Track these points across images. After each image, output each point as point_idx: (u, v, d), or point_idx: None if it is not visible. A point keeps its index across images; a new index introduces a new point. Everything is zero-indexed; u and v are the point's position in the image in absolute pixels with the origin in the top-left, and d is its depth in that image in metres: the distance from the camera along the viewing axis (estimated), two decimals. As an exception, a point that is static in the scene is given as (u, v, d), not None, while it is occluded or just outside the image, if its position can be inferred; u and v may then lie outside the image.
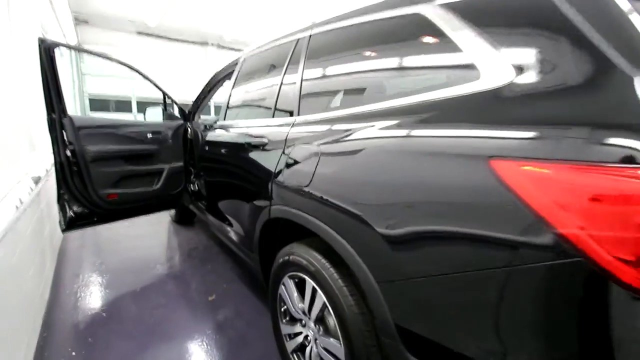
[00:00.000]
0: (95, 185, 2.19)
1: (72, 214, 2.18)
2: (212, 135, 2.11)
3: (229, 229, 1.90)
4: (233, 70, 2.22)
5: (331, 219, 1.02)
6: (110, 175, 2.27)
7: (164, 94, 2.65)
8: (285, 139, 1.31)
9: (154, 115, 2.78)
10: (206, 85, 2.70)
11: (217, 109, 7.38)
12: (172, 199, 2.74)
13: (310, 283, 1.17)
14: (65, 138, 2.06)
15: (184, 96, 7.45)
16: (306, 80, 1.37)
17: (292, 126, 1.33)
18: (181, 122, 2.76)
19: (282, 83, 1.53)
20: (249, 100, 1.94)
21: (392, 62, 1.05)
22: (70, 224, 2.16)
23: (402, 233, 0.81)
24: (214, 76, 2.61)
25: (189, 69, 8.06)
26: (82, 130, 2.12)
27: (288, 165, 1.25)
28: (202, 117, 3.27)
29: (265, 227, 1.43)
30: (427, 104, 0.88)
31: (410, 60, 1.00)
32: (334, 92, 1.25)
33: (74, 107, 6.61)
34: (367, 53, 1.14)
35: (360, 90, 1.16)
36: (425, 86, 0.95)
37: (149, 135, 2.51)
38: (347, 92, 1.20)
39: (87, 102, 7.09)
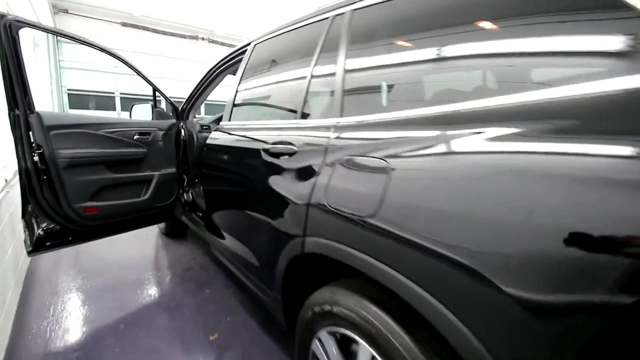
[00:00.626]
0: (70, 198, 1.80)
1: (40, 232, 1.79)
2: (215, 139, 1.75)
3: (237, 253, 1.55)
4: (238, 62, 1.86)
5: (416, 267, 0.69)
6: (88, 185, 1.88)
7: (154, 88, 2.27)
8: (326, 148, 0.98)
9: (142, 114, 2.39)
10: (202, 79, 2.33)
11: (209, 107, 6.95)
12: (163, 212, 2.36)
13: (366, 349, 0.84)
14: (31, 140, 1.67)
15: (173, 93, 6.97)
16: (351, 70, 1.03)
17: (334, 130, 0.99)
18: (174, 121, 2.38)
19: (312, 75, 1.19)
20: (264, 97, 1.60)
21: (500, 41, 0.73)
22: (38, 245, 1.77)
23: (553, 302, 0.50)
24: (211, 69, 2.24)
25: (178, 64, 7.60)
26: (53, 130, 1.73)
27: (332, 184, 0.91)
28: (197, 116, 2.89)
29: (293, 263, 1.09)
30: (564, 104, 0.57)
31: (535, 35, 0.68)
32: (403, 85, 0.92)
33: (51, 103, 6.08)
34: (457, 27, 0.81)
35: (446, 81, 0.83)
36: (560, 77, 0.64)
37: (136, 137, 2.13)
38: (424, 84, 0.87)
39: (65, 99, 6.56)
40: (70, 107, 6.63)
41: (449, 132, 0.69)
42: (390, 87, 0.95)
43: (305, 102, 1.20)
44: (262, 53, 1.64)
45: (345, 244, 0.85)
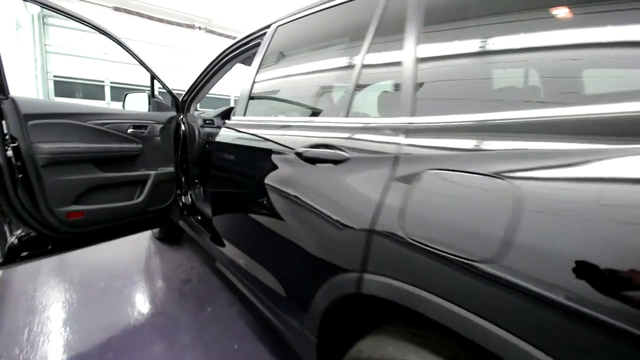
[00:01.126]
0: (51, 200, 1.53)
1: (14, 240, 1.51)
2: (226, 137, 1.48)
3: (252, 275, 1.30)
4: (254, 48, 1.61)
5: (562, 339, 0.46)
6: (73, 186, 1.60)
7: (153, 75, 1.99)
8: (395, 157, 0.73)
9: (136, 104, 2.10)
10: (207, 68, 2.05)
11: (208, 101, 6.56)
12: (159, 216, 2.09)
13: None
14: (4, 130, 1.39)
15: (168, 83, 6.61)
16: (429, 58, 0.79)
17: (405, 133, 0.75)
18: (173, 113, 2.11)
19: (363, 65, 0.94)
20: (290, 89, 1.35)
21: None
22: (10, 256, 1.49)
23: None
24: (218, 57, 1.97)
25: (172, 54, 7.23)
26: (31, 119, 1.45)
27: (413, 207, 0.67)
28: (199, 109, 2.61)
29: (339, 303, 0.85)
30: None
31: None
32: (522, 76, 0.68)
33: (35, 90, 5.68)
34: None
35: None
36: None
37: (131, 130, 1.85)
38: (574, 72, 0.63)
39: (51, 86, 6.14)
40: (57, 95, 6.23)
41: (624, 147, 0.46)
42: (495, 77, 0.70)
43: (352, 96, 0.95)
44: (287, 37, 1.38)
45: (436, 293, 0.61)
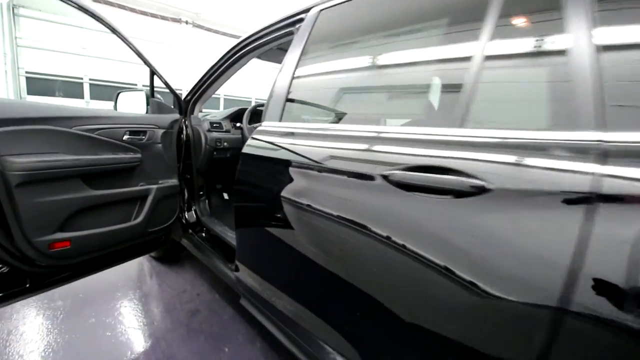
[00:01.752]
0: (28, 228, 1.20)
1: (-22, 280, 1.18)
2: (257, 147, 1.17)
3: (312, 335, 1.01)
4: (279, 38, 1.33)
5: None
6: (56, 209, 1.28)
7: (152, 70, 1.66)
8: (592, 195, 0.47)
9: (131, 104, 1.77)
10: (216, 64, 1.75)
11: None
12: (160, 238, 1.77)
13: None
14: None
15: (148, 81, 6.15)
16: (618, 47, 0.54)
17: (601, 159, 0.49)
18: (177, 116, 1.79)
19: (485, 56, 0.68)
20: (354, 87, 1.07)
21: None
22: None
23: None
24: (231, 50, 1.67)
25: (157, 49, 6.78)
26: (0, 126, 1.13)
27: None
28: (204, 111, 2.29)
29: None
30: None
31: None
32: None
33: (5, 88, 5.15)
34: None
35: None
36: None
37: (127, 137, 1.53)
38: None
39: (23, 83, 5.61)
40: (29, 94, 5.69)
41: None
42: None
43: (471, 100, 0.68)
44: (340, 21, 1.10)
45: None
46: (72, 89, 6.12)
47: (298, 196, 0.96)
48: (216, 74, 1.77)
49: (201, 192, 2.06)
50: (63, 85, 6.01)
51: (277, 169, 1.06)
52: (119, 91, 1.81)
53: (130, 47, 1.53)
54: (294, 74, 1.15)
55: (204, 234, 1.97)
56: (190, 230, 1.97)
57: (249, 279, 1.27)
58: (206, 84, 1.83)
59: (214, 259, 1.73)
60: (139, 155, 1.55)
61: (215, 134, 1.96)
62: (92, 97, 6.28)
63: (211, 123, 1.98)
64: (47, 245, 1.25)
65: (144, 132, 1.60)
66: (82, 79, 6.14)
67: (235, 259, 1.34)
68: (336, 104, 1.08)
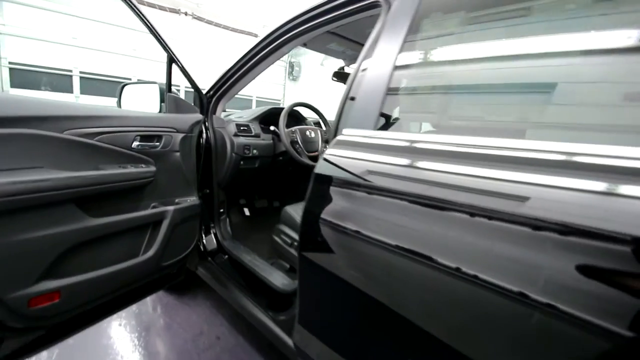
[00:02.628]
0: (-3, 280, 0.81)
1: None
2: (343, 169, 0.78)
3: None
4: (368, 10, 0.96)
5: None
6: (39, 250, 0.89)
7: (172, 57, 1.28)
8: None
9: (140, 102, 1.39)
10: (247, 54, 1.38)
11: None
12: (174, 271, 1.40)
13: None
14: None
15: (145, 75, 5.69)
16: None
17: None
18: (199, 116, 1.41)
19: None
20: (511, 86, 0.69)
21: None
22: None
23: None
24: (267, 37, 1.31)
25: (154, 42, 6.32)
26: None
27: None
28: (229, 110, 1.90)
29: None
30: None
31: None
32: None
33: (-15, 78, 4.66)
34: None
35: None
36: None
37: (137, 144, 1.14)
38: None
39: (6, 74, 5.11)
40: (13, 87, 5.20)
41: None
42: None
43: None
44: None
45: None
46: (60, 82, 5.63)
47: (422, 247, 0.60)
48: (249, 64, 1.39)
49: (221, 210, 1.68)
50: (50, 78, 5.52)
51: (378, 202, 0.69)
52: (124, 84, 1.42)
53: (147, 26, 1.15)
54: (395, 62, 0.79)
55: (225, 262, 1.60)
56: (208, 258, 1.59)
57: (319, 352, 0.90)
58: (234, 77, 1.45)
59: (241, 296, 1.36)
60: (152, 169, 1.17)
61: (243, 140, 1.59)
62: (83, 91, 5.80)
63: (238, 126, 1.60)
64: (26, 302, 0.87)
65: (159, 137, 1.22)
66: (71, 71, 5.66)
67: (296, 321, 0.96)
68: (481, 108, 0.71)
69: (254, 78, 1.48)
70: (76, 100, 5.52)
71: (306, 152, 1.62)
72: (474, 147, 0.60)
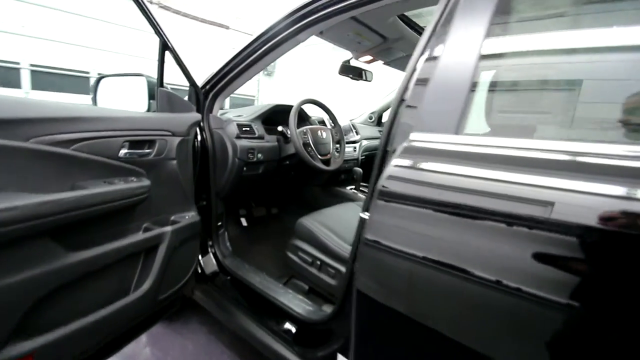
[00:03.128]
0: None
1: None
2: (418, 182, 0.60)
3: None
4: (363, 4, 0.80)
5: None
6: (2, 303, 0.64)
7: (165, 42, 1.03)
8: None
9: (121, 97, 1.13)
10: (252, 43, 1.17)
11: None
12: (171, 303, 1.17)
13: None
14: None
15: (105, 68, 5.18)
16: None
17: None
18: (197, 116, 1.17)
19: None
20: None
21: None
22: None
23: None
24: (276, 24, 1.11)
25: (116, 32, 5.79)
26: None
27: None
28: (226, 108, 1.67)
29: None
30: None
31: None
32: None
33: None
34: None
35: None
36: None
37: (124, 152, 0.91)
38: None
39: (-62, 65, 4.44)
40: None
41: None
42: None
43: None
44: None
45: None
46: (6, 75, 5.00)
47: (545, 287, 0.45)
48: (254, 55, 1.18)
49: (219, 223, 1.45)
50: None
51: (480, 229, 0.53)
52: (101, 76, 1.16)
53: (139, 4, 0.91)
54: (480, 49, 0.62)
55: (227, 285, 1.38)
56: (207, 281, 1.37)
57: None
58: (236, 70, 1.23)
59: (252, 325, 1.17)
60: (146, 183, 0.94)
61: (246, 142, 1.37)
62: (34, 86, 5.19)
63: (240, 126, 1.38)
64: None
65: (152, 143, 0.99)
66: (19, 63, 5.04)
67: None
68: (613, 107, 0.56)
69: (259, 71, 1.27)
70: (26, 97, 4.92)
71: (319, 156, 1.44)
72: (609, 158, 0.45)
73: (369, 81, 1.85)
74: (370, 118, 2.48)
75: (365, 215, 0.70)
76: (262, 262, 1.55)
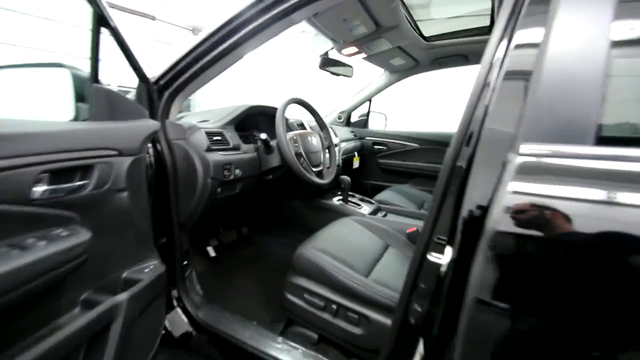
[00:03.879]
0: None
1: None
2: (560, 219, 0.40)
3: None
4: None
5: None
6: None
7: (102, 13, 0.67)
8: None
9: (26, 101, 0.74)
10: (219, 29, 0.87)
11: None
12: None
13: None
14: None
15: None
16: None
17: None
18: (153, 124, 0.82)
19: None
20: None
21: None
22: None
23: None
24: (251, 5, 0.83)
25: (45, 27, 4.70)
26: None
27: None
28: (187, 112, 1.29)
29: None
30: None
31: None
32: None
33: None
34: None
35: None
36: None
37: (41, 190, 0.54)
38: None
39: None
40: None
41: None
42: None
43: None
44: None
45: None
46: None
47: None
48: (233, 38, 0.87)
49: (185, 263, 1.10)
50: None
51: None
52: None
53: None
54: (609, 35, 0.44)
55: (206, 346, 1.05)
56: (178, 346, 1.02)
57: None
58: (204, 60, 0.90)
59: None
60: (82, 239, 0.59)
61: (219, 156, 1.03)
62: None
63: (209, 135, 1.03)
64: None
65: (87, 171, 0.63)
66: None
67: None
68: None
69: (236, 61, 0.95)
70: None
71: (312, 167, 1.17)
72: None
73: (349, 77, 1.63)
74: (340, 118, 2.27)
75: (444, 261, 0.50)
76: (245, 303, 1.23)
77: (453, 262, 0.54)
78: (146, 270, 0.79)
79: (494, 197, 0.46)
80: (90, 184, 0.63)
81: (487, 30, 1.51)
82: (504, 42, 0.54)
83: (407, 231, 1.27)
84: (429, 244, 0.63)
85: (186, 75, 0.92)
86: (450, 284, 0.54)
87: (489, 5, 1.38)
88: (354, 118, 2.37)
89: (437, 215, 0.62)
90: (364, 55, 1.53)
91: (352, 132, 2.20)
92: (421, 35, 1.54)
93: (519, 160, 0.45)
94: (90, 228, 0.63)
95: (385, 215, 1.54)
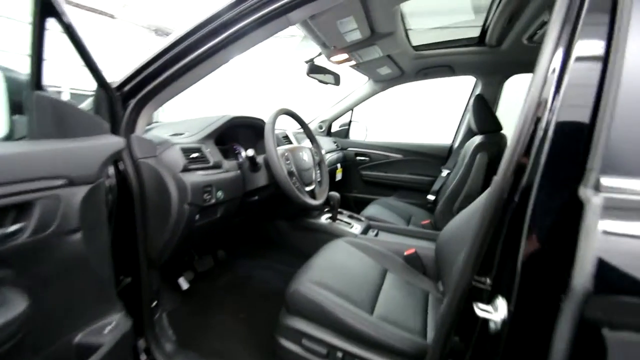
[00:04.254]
0: None
1: None
2: None
3: None
4: None
5: None
6: None
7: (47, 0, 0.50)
8: None
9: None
10: (215, 18, 0.72)
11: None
12: None
13: None
14: None
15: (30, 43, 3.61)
16: None
17: None
18: (117, 141, 0.65)
19: None
20: None
21: None
22: None
23: None
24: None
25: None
26: None
27: None
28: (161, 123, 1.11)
29: None
30: None
31: None
32: None
33: None
34: None
35: None
36: None
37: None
38: None
39: None
40: None
41: None
42: None
43: None
44: None
45: None
46: None
47: None
48: (216, 40, 0.72)
49: (154, 304, 0.92)
50: None
51: None
52: None
53: None
54: None
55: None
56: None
57: None
58: (180, 64, 0.74)
59: None
60: (16, 313, 0.41)
61: (198, 177, 0.87)
62: None
63: (185, 151, 0.87)
64: None
65: (24, 210, 0.46)
66: None
67: None
68: None
69: (222, 64, 0.80)
70: None
71: (305, 187, 1.03)
72: None
73: (337, 85, 1.52)
74: (321, 127, 2.15)
75: (496, 317, 0.42)
76: (227, 344, 1.06)
77: (512, 321, 0.44)
78: (107, 328, 0.61)
79: (577, 242, 0.37)
80: (28, 228, 0.46)
81: (477, 40, 1.48)
82: (559, 52, 0.45)
83: (405, 253, 1.18)
84: (470, 291, 0.53)
85: (157, 80, 0.75)
86: (513, 349, 0.44)
87: (482, 16, 1.35)
88: (334, 128, 2.27)
89: (477, 257, 0.52)
90: (353, 62, 1.43)
91: (335, 142, 2.09)
92: (410, 44, 1.48)
93: (603, 197, 0.36)
94: (28, 287, 0.45)
95: (377, 234, 1.44)
